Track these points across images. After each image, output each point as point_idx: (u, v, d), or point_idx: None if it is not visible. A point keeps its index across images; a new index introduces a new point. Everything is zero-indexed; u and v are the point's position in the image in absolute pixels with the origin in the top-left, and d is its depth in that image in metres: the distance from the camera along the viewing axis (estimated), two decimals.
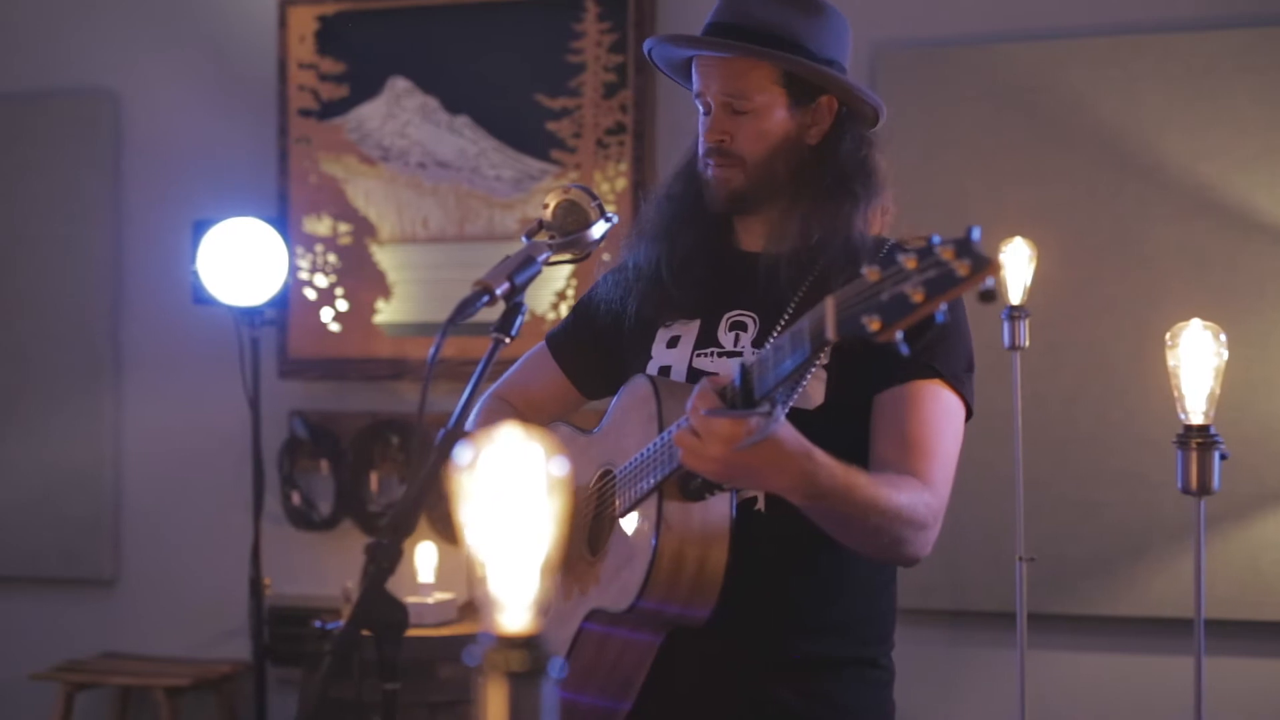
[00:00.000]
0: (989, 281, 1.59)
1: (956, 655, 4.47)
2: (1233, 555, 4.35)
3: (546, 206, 2.17)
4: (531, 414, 2.52)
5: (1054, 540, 4.32)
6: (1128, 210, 4.50)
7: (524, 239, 2.16)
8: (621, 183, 4.96)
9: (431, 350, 1.94)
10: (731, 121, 2.25)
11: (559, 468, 1.15)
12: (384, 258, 5.22)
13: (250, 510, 4.89)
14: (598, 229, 2.15)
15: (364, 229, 5.23)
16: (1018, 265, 3.69)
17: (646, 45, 2.37)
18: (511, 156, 5.11)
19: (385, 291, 5.21)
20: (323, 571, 5.21)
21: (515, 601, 1.14)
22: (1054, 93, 4.57)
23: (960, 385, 2.19)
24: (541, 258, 2.09)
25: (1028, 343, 3.71)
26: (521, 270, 2.05)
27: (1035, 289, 3.77)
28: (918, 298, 1.61)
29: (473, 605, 4.97)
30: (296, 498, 5.26)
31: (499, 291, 2.02)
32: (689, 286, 2.30)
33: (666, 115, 4.95)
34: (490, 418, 2.48)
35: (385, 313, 5.21)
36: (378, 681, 1.88)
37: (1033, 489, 3.85)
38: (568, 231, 2.15)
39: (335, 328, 5.24)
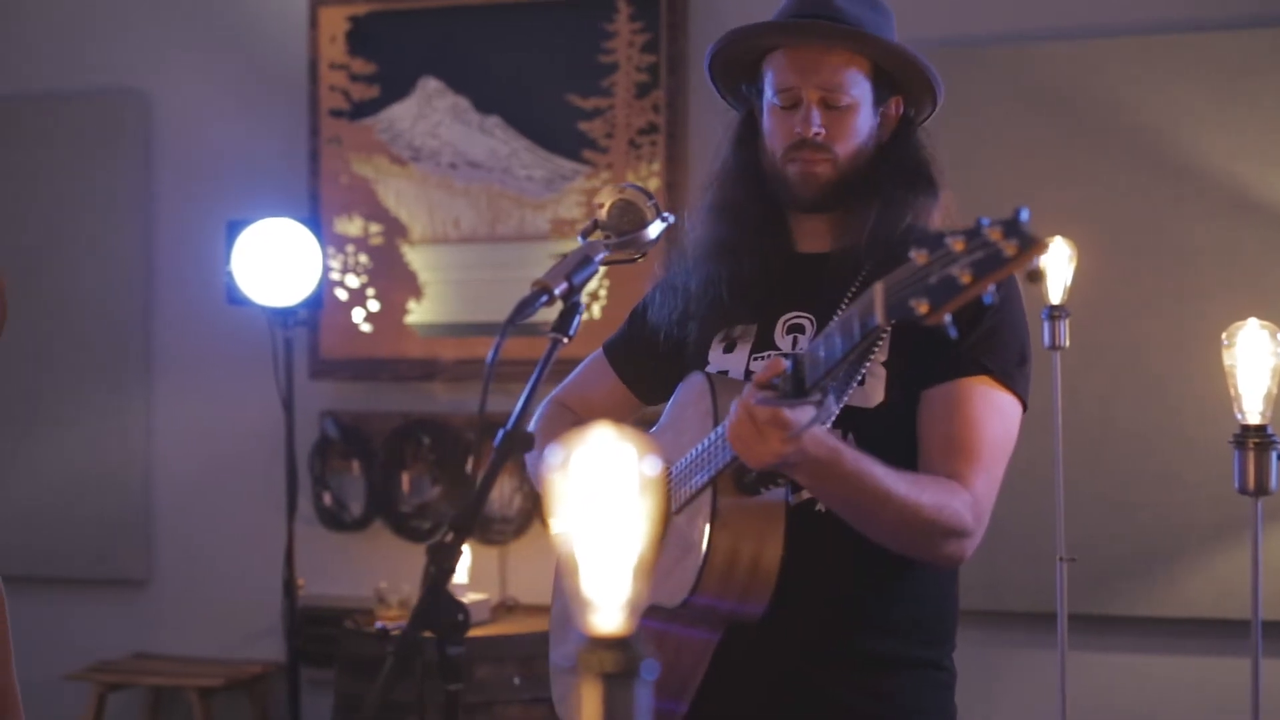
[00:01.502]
0: (1036, 261, 1.59)
1: (993, 656, 4.45)
2: (1272, 555, 4.33)
3: (601, 206, 2.16)
4: (592, 419, 2.51)
5: (1090, 540, 4.30)
6: (1164, 209, 4.48)
7: (580, 238, 2.16)
8: (654, 183, 4.95)
9: (491, 350, 1.93)
10: (826, 115, 2.24)
11: (651, 467, 1.14)
12: (415, 258, 5.21)
13: (281, 510, 4.89)
14: (654, 229, 2.14)
15: (395, 229, 5.23)
16: (1058, 265, 3.68)
17: (718, 42, 2.33)
18: (543, 157, 5.11)
19: (417, 292, 5.21)
20: (354, 572, 5.21)
21: (608, 602, 1.13)
22: (1089, 92, 4.55)
23: (1011, 381, 2.18)
24: (598, 257, 2.08)
25: (1068, 342, 3.69)
26: (579, 270, 2.05)
27: (1072, 289, 3.75)
28: (965, 279, 1.61)
29: (504, 606, 4.96)
30: (328, 498, 5.26)
31: (557, 291, 2.02)
32: (748, 298, 2.29)
33: (699, 115, 4.94)
34: (551, 423, 2.48)
35: (417, 313, 5.21)
36: (439, 682, 1.87)
37: (1069, 488, 3.83)
38: (623, 231, 2.14)
39: (367, 328, 5.24)
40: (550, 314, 2.08)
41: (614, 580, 1.13)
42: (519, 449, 1.92)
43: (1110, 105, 4.53)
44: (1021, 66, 4.64)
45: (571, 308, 2.04)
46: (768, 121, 2.30)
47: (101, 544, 5.45)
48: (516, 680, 4.40)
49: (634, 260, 2.17)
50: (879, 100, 2.28)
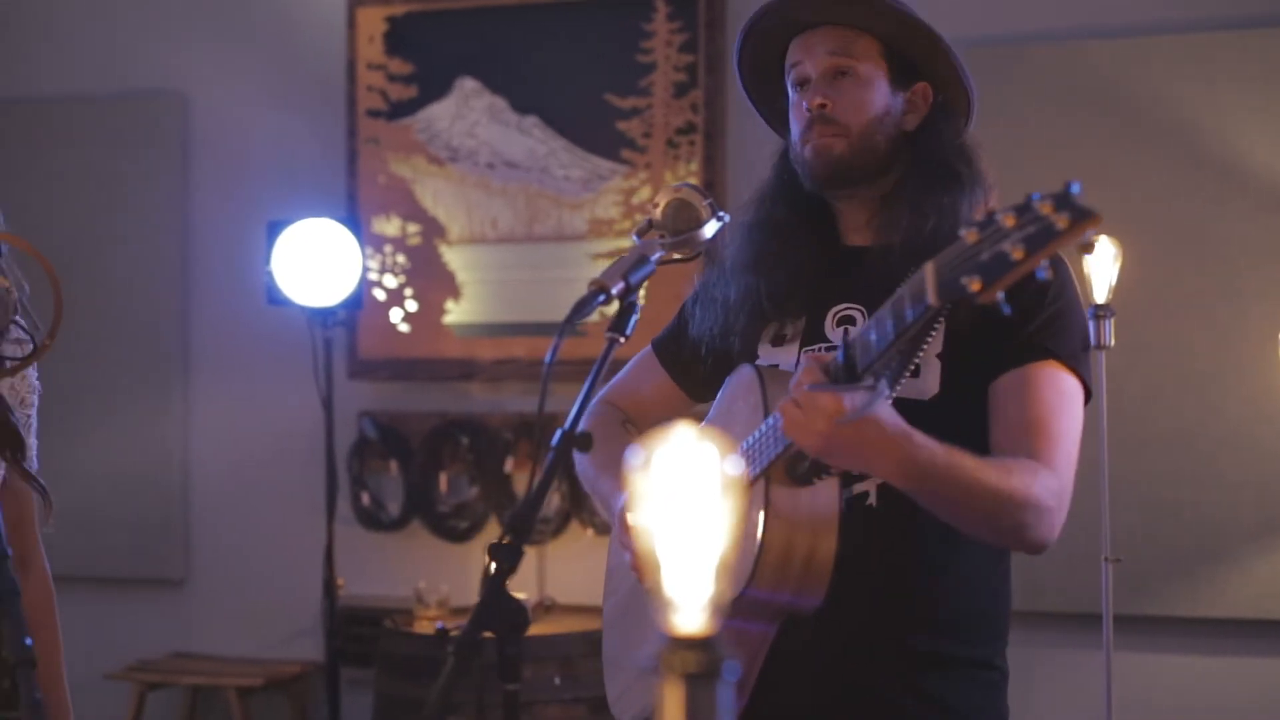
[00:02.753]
0: (1089, 234, 1.58)
1: (1036, 657, 4.43)
2: None
3: (656, 206, 2.15)
4: (641, 418, 2.52)
5: (1132, 540, 4.28)
6: (1206, 208, 4.46)
7: (634, 238, 2.15)
8: (692, 183, 4.93)
9: (550, 350, 1.93)
10: (834, 88, 2.24)
11: (733, 466, 1.14)
12: (453, 258, 5.22)
13: (319, 510, 4.90)
14: (710, 228, 2.13)
15: (433, 229, 5.23)
16: (1103, 264, 3.67)
17: (737, 49, 2.36)
18: (581, 156, 5.11)
19: (454, 292, 5.21)
20: (392, 572, 5.22)
21: (690, 602, 1.13)
22: (1133, 90, 4.53)
23: (1077, 365, 2.16)
24: (655, 257, 2.08)
25: (1113, 341, 3.68)
26: (636, 269, 2.04)
27: (1115, 287, 3.74)
28: (1017, 254, 1.60)
29: (542, 605, 4.96)
30: (366, 498, 5.26)
31: (614, 291, 2.01)
32: (793, 299, 2.28)
33: (737, 115, 4.94)
34: (601, 423, 2.47)
35: (454, 313, 5.21)
36: (499, 682, 1.87)
37: (1111, 488, 3.82)
38: (678, 231, 2.13)
39: (404, 328, 5.24)
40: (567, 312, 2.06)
41: (696, 580, 1.13)
42: (577, 449, 1.92)
43: (1154, 103, 4.51)
44: (1064, 65, 4.62)
45: (628, 307, 2.03)
46: (789, 115, 2.31)
47: (140, 544, 5.47)
48: (557, 680, 4.40)
49: (690, 259, 2.16)
50: (898, 82, 2.27)
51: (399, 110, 5.26)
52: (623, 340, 2.03)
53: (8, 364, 2.32)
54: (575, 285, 5.02)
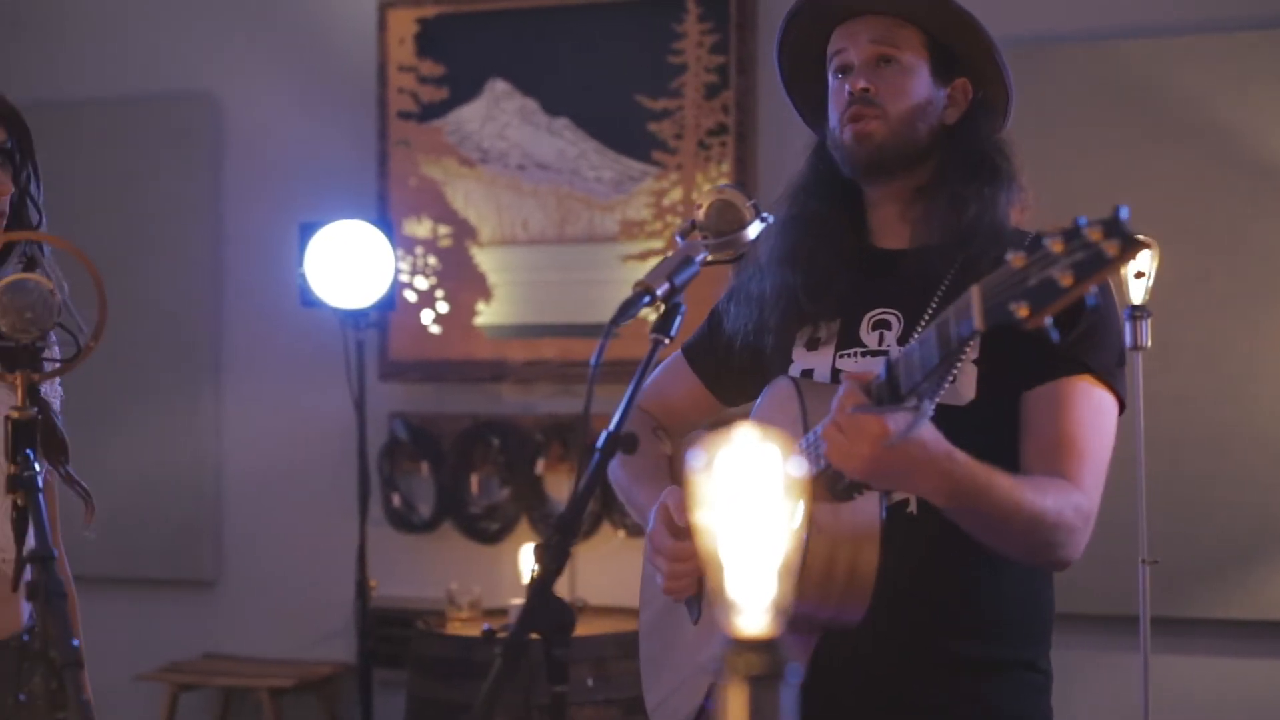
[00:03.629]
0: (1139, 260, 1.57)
1: (1072, 660, 4.41)
2: None
3: (699, 207, 2.15)
4: (670, 422, 2.52)
5: (1167, 542, 4.26)
6: (1241, 209, 4.44)
7: (678, 239, 2.14)
8: (723, 184, 4.93)
9: (596, 352, 1.92)
10: (877, 73, 2.25)
11: (796, 468, 1.13)
12: (484, 260, 5.22)
13: (350, 512, 4.91)
14: (753, 229, 2.13)
15: (464, 231, 5.24)
16: (1140, 265, 3.65)
17: (786, 17, 2.36)
18: (612, 158, 5.10)
19: (486, 294, 5.22)
20: (423, 573, 5.22)
21: (753, 604, 1.12)
22: (1165, 90, 4.51)
23: (1112, 379, 2.16)
24: (699, 258, 2.07)
25: (1149, 342, 3.67)
26: (680, 271, 2.03)
27: (1151, 288, 3.73)
28: (1066, 281, 1.59)
29: (573, 607, 4.95)
30: (397, 500, 5.27)
31: (659, 292, 2.00)
32: (828, 298, 2.28)
33: (769, 116, 4.93)
34: (630, 427, 2.46)
35: (485, 315, 5.22)
36: (546, 684, 1.87)
37: (1146, 490, 3.80)
38: (721, 232, 2.12)
39: (435, 330, 5.25)
40: (598, 314, 2.06)
41: (760, 582, 1.12)
42: (622, 450, 1.91)
43: (1188, 103, 4.49)
44: (1098, 64, 4.60)
45: (672, 309, 2.02)
46: (829, 103, 2.32)
47: (172, 545, 5.48)
48: (590, 681, 4.39)
49: (733, 260, 2.15)
50: (939, 76, 2.28)
51: (430, 112, 5.26)
52: (667, 342, 2.03)
53: (49, 366, 2.33)
54: (606, 287, 5.02)
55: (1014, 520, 2.02)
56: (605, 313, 4.93)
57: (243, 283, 5.50)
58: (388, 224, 5.02)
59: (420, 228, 5.26)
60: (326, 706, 5.22)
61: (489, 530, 5.18)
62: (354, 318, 4.77)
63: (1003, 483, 1.99)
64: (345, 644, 5.26)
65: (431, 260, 5.25)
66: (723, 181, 4.92)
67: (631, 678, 4.39)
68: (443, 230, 5.25)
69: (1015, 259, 1.63)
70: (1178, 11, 4.60)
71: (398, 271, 5.08)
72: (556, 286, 5.15)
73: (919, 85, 2.26)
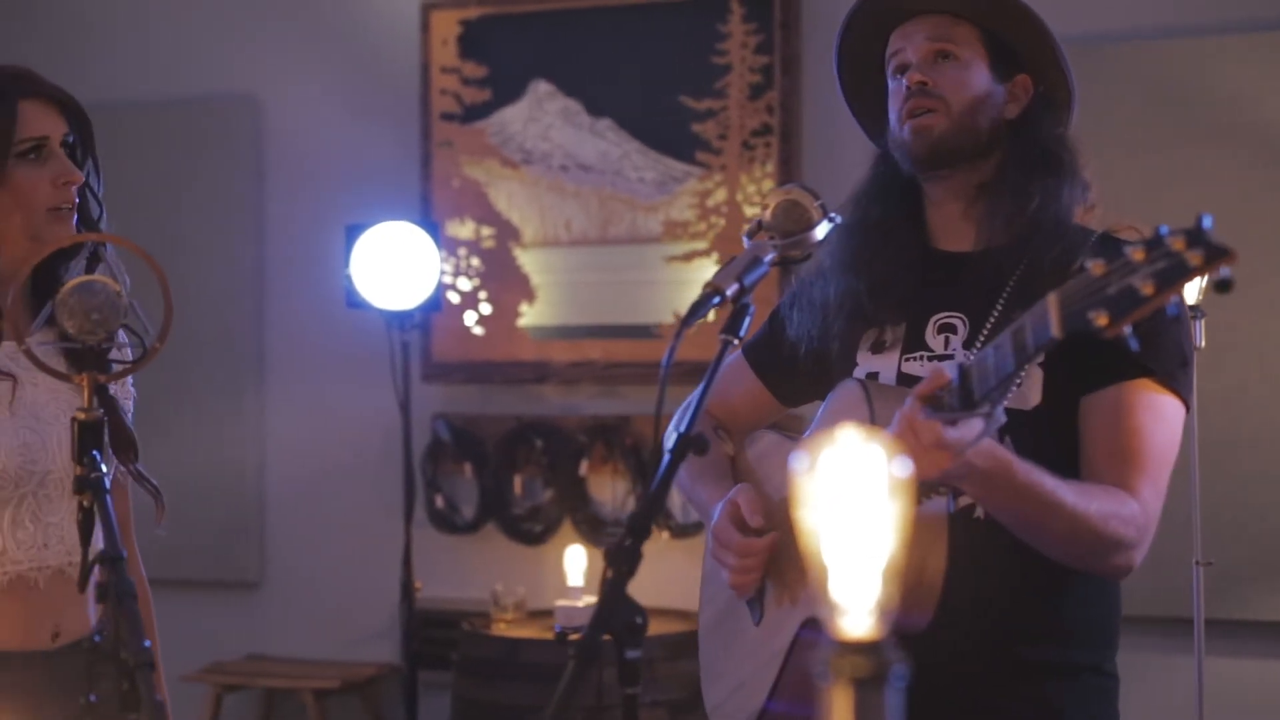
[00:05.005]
0: (1224, 270, 1.55)
1: (1125, 662, 4.37)
2: None
3: (766, 207, 2.13)
4: (731, 422, 2.52)
5: (1221, 543, 4.24)
6: None
7: (744, 239, 2.13)
8: (768, 184, 4.92)
9: (667, 353, 1.91)
10: (935, 68, 2.25)
11: (901, 469, 1.12)
12: (527, 261, 5.22)
13: (393, 513, 4.91)
14: (821, 229, 2.11)
15: (507, 232, 5.23)
16: None
17: (844, 21, 2.36)
18: (655, 159, 5.10)
19: (529, 295, 5.21)
20: (466, 575, 5.22)
21: (858, 607, 1.12)
22: (1211, 90, 4.49)
23: (1175, 383, 2.15)
24: (768, 258, 2.06)
25: (1203, 343, 3.65)
26: (749, 271, 2.02)
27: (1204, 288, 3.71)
28: (1148, 290, 1.58)
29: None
30: (440, 501, 5.27)
31: (729, 293, 1.99)
32: (893, 301, 2.27)
33: (813, 116, 4.92)
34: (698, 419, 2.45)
35: (529, 316, 5.21)
36: (618, 686, 1.86)
37: (1200, 491, 3.78)
38: (788, 232, 2.11)
39: (479, 331, 5.25)
40: (642, 315, 2.05)
41: (865, 585, 1.12)
42: (694, 451, 1.91)
43: (1233, 102, 4.46)
44: (1143, 64, 4.58)
45: (741, 309, 2.01)
46: (889, 106, 2.31)
47: (216, 546, 5.49)
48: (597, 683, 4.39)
49: (802, 260, 2.14)
50: (999, 72, 2.27)
51: (472, 113, 5.26)
52: (736, 342, 2.02)
53: (115, 367, 2.33)
54: (650, 288, 5.02)
55: (1075, 531, 2.02)
56: (649, 314, 5.01)
57: (285, 284, 5.50)
58: (432, 225, 5.02)
59: (463, 229, 5.26)
60: (370, 708, 5.23)
61: (532, 531, 5.17)
62: (399, 319, 4.76)
63: (1047, 484, 1.99)
64: (388, 645, 5.26)
65: (474, 261, 5.25)
66: (760, 182, 4.92)
67: (678, 680, 4.40)
68: (486, 231, 5.25)
69: (1095, 266, 1.62)
70: (1221, 10, 4.57)
71: (440, 273, 5.08)
72: (600, 287, 5.14)
73: (978, 79, 2.26)
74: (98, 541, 1.96)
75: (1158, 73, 4.55)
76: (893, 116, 2.29)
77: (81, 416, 2.03)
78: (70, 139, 2.35)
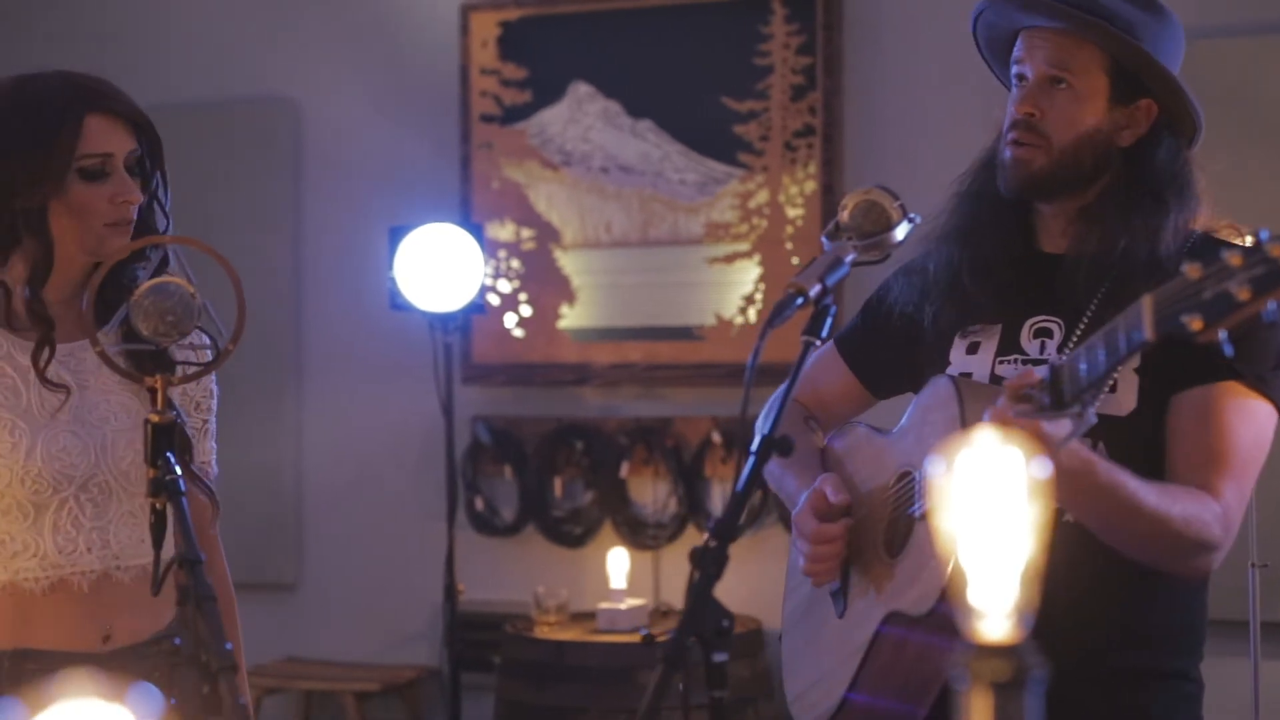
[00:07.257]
0: None
1: None
2: None
3: (844, 208, 2.12)
4: (821, 414, 2.51)
5: (1275, 546, 4.21)
6: None
7: (823, 240, 2.12)
8: (810, 186, 4.91)
9: (752, 353, 1.90)
10: (1047, 97, 2.21)
11: (1041, 470, 1.11)
12: (567, 263, 5.21)
13: (432, 515, 4.91)
14: (901, 230, 2.10)
15: (547, 234, 5.22)
16: None
17: (976, 9, 2.32)
18: (696, 160, 5.08)
19: (569, 296, 5.20)
20: (506, 577, 5.21)
21: (997, 610, 1.10)
22: (1260, 90, 4.46)
23: (1265, 385, 2.13)
24: (849, 259, 2.04)
25: None
26: (831, 272, 2.01)
27: None
28: (1244, 295, 1.56)
29: (658, 611, 4.94)
30: (480, 503, 5.26)
31: (811, 293, 1.98)
32: (990, 290, 2.25)
33: (855, 117, 4.90)
34: (784, 420, 2.44)
35: (569, 318, 5.20)
36: (705, 689, 1.85)
37: (1257, 492, 3.75)
38: (866, 233, 2.10)
39: (519, 333, 5.24)
40: (683, 317, 2.03)
41: (1003, 587, 1.10)
42: (778, 453, 1.90)
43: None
44: (1189, 64, 4.54)
45: (823, 310, 2.00)
46: (1009, 99, 2.29)
47: (254, 548, 5.48)
48: (680, 685, 4.37)
49: (881, 261, 2.13)
50: (1120, 96, 2.22)
51: (512, 115, 5.26)
52: (818, 343, 2.00)
53: (183, 370, 2.33)
54: (691, 289, 5.01)
55: (1136, 524, 2.02)
56: (690, 316, 5.00)
57: (325, 286, 5.50)
58: (473, 227, 5.02)
59: (503, 231, 5.25)
60: (410, 710, 5.22)
61: (572, 534, 5.16)
62: (442, 321, 4.76)
63: (1148, 497, 1.99)
64: (427, 647, 5.25)
65: (515, 263, 5.24)
66: (801, 184, 4.90)
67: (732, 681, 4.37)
68: (526, 233, 5.24)
69: (1191, 269, 1.61)
70: (1270, 9, 4.55)
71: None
72: (641, 289, 5.13)
73: (1089, 113, 2.20)
74: (176, 545, 1.95)
75: (1205, 72, 4.51)
76: (1005, 124, 2.26)
77: (155, 419, 2.02)
78: (138, 153, 2.34)
